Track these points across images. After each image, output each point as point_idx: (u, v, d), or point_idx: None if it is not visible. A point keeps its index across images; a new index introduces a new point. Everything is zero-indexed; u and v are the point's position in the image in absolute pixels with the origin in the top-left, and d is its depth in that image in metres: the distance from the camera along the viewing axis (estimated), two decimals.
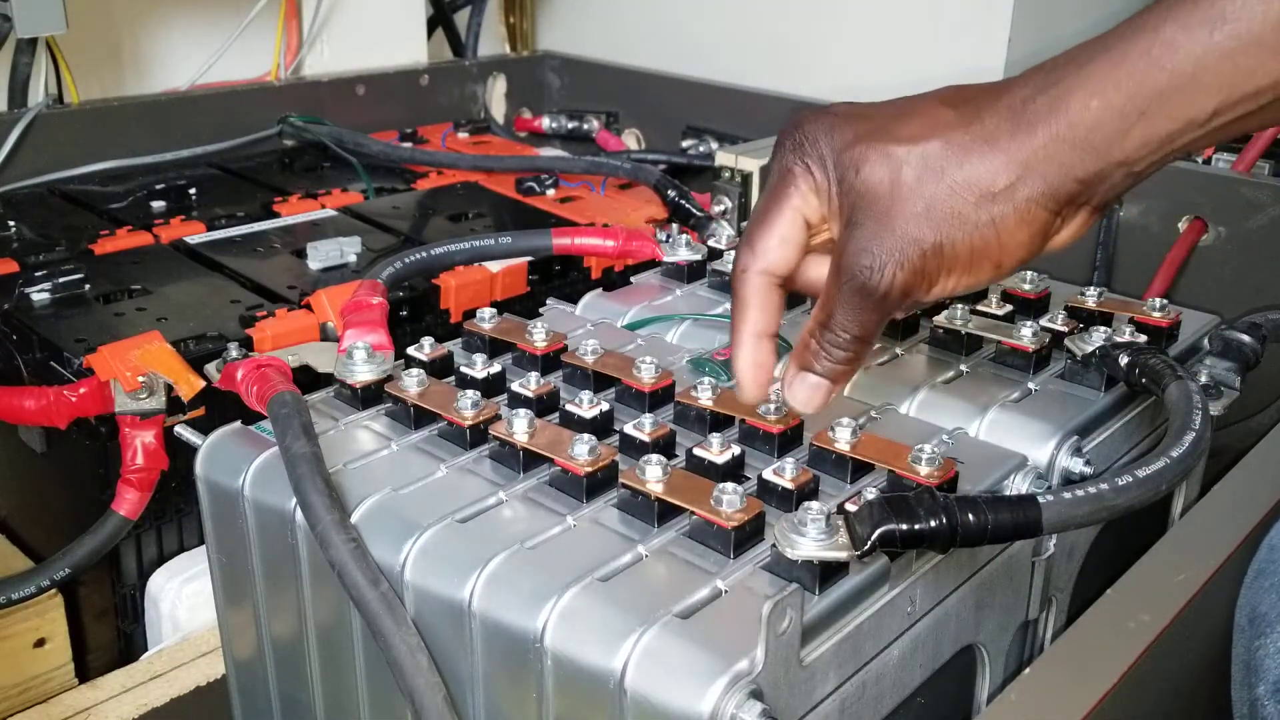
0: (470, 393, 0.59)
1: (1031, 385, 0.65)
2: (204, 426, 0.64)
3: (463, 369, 0.64)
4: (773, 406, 0.58)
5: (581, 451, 0.54)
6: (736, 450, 0.55)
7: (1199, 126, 0.43)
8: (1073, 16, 1.29)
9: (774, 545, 0.48)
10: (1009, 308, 0.72)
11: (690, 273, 0.82)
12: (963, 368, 0.67)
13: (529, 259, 0.90)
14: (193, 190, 1.09)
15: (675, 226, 0.98)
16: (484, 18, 1.52)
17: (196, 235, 0.97)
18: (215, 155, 1.19)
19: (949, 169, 0.46)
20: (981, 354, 0.69)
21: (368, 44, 1.39)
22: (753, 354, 0.52)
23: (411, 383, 0.61)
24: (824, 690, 0.48)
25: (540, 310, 0.78)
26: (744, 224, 0.89)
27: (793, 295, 0.55)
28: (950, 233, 0.46)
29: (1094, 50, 0.45)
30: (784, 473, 0.52)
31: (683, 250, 0.83)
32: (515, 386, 0.62)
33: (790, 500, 0.52)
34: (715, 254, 0.84)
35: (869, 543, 0.46)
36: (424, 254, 0.80)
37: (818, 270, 0.52)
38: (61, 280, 0.84)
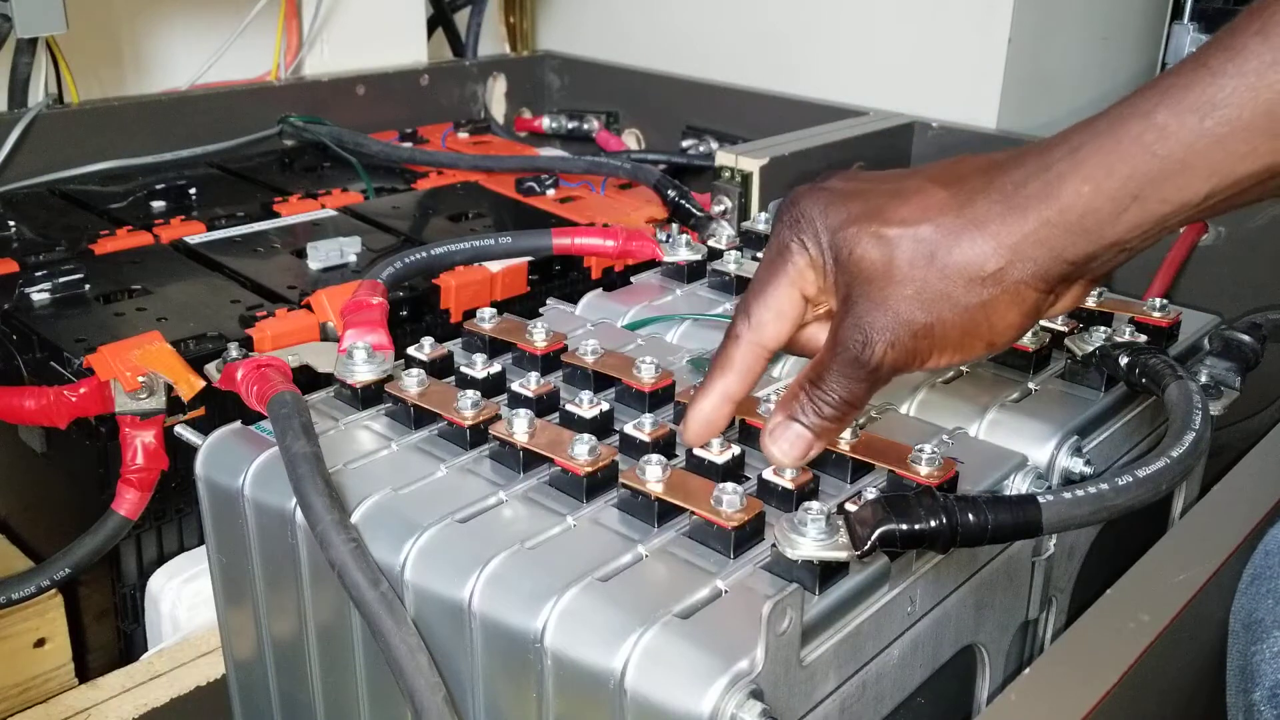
0: (470, 393, 0.59)
1: (1031, 385, 0.65)
2: (204, 426, 0.64)
3: (463, 369, 0.64)
4: (772, 406, 0.58)
5: (581, 451, 0.54)
6: (736, 450, 0.55)
7: (1193, 208, 0.44)
8: (1072, 17, 1.29)
9: (774, 545, 0.48)
10: None
11: (690, 273, 0.82)
12: (963, 368, 0.67)
13: (529, 259, 0.90)
14: (193, 190, 1.09)
15: (675, 226, 0.99)
16: (484, 18, 1.52)
17: (196, 235, 0.97)
18: (215, 155, 1.19)
19: (940, 252, 0.47)
20: None
21: (368, 44, 1.39)
22: (713, 410, 0.53)
23: (411, 383, 0.61)
24: (824, 690, 0.48)
25: (540, 310, 0.78)
26: (744, 224, 0.89)
27: None
28: (941, 314, 0.47)
29: (1086, 134, 0.45)
30: (784, 473, 0.52)
31: (683, 250, 0.83)
32: (515, 386, 0.62)
33: (790, 500, 0.52)
34: (715, 254, 0.84)
35: (869, 543, 0.46)
36: (424, 254, 0.80)
37: (816, 336, 0.53)
38: (61, 280, 0.84)
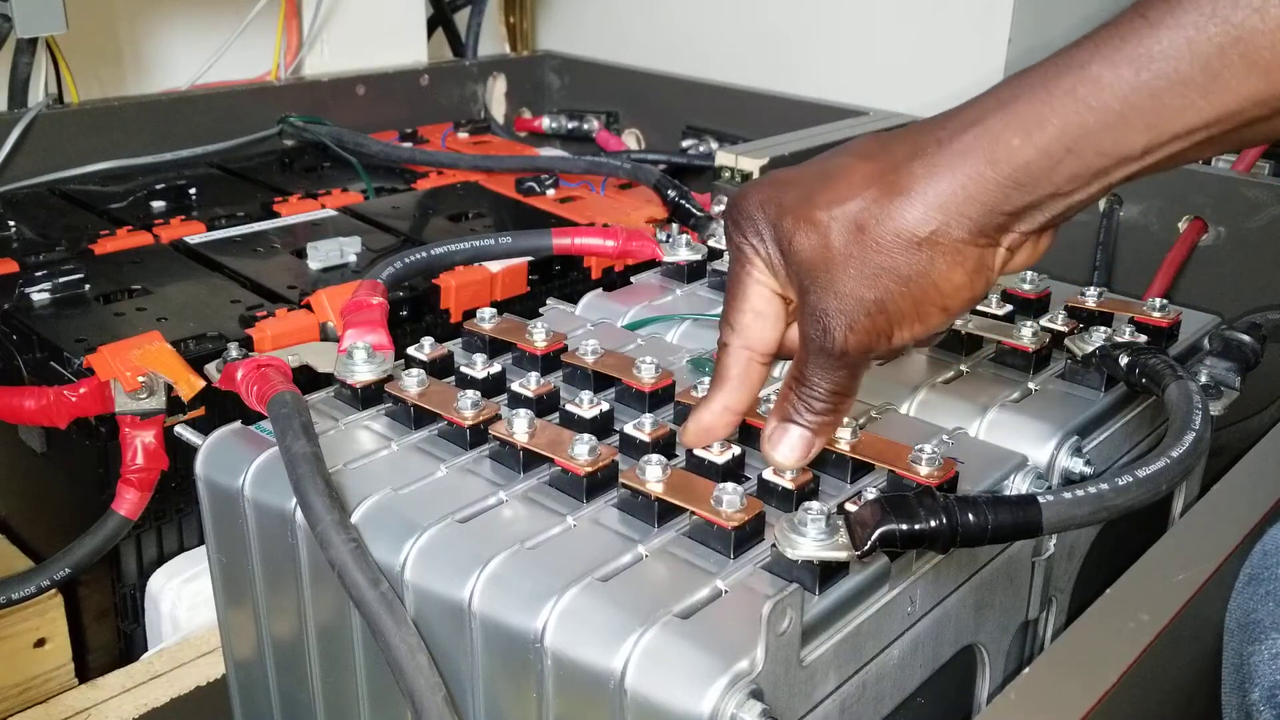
0: (470, 393, 0.59)
1: (1031, 385, 0.65)
2: (204, 426, 0.64)
3: (463, 369, 0.64)
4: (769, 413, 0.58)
5: (581, 451, 0.54)
6: (736, 450, 0.55)
7: (1133, 161, 0.43)
8: (1072, 15, 1.29)
9: (774, 545, 0.48)
10: (1009, 308, 0.72)
11: (690, 273, 0.82)
12: (963, 368, 0.67)
13: (529, 259, 0.90)
14: (193, 190, 1.09)
15: (675, 226, 0.98)
16: (484, 18, 1.52)
17: (196, 235, 0.97)
18: (215, 155, 1.19)
19: (871, 225, 0.46)
20: (981, 354, 0.69)
21: (368, 44, 1.39)
22: (714, 421, 0.53)
23: (411, 383, 0.61)
24: (824, 690, 0.48)
25: (540, 310, 0.78)
26: None
27: None
28: (887, 287, 0.46)
29: (1018, 87, 0.44)
30: (784, 473, 0.52)
31: (683, 250, 0.83)
32: (515, 386, 0.62)
33: (790, 500, 0.52)
34: (715, 254, 0.84)
35: (869, 543, 0.46)
36: (424, 254, 0.80)
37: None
38: (61, 280, 0.84)
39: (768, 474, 0.53)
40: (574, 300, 0.80)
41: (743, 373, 0.52)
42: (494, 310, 0.71)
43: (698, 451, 0.55)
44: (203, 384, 0.72)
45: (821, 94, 1.27)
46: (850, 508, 0.48)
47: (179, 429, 0.67)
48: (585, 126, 1.42)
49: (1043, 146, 0.43)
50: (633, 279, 0.84)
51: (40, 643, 0.74)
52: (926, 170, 0.45)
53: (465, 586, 0.49)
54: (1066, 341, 0.67)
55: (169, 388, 0.72)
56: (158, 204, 1.07)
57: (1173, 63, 0.41)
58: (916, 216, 0.45)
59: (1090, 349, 0.66)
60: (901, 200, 0.45)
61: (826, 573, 0.48)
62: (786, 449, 0.51)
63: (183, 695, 0.68)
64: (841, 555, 0.47)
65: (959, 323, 0.68)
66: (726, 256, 0.81)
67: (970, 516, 0.47)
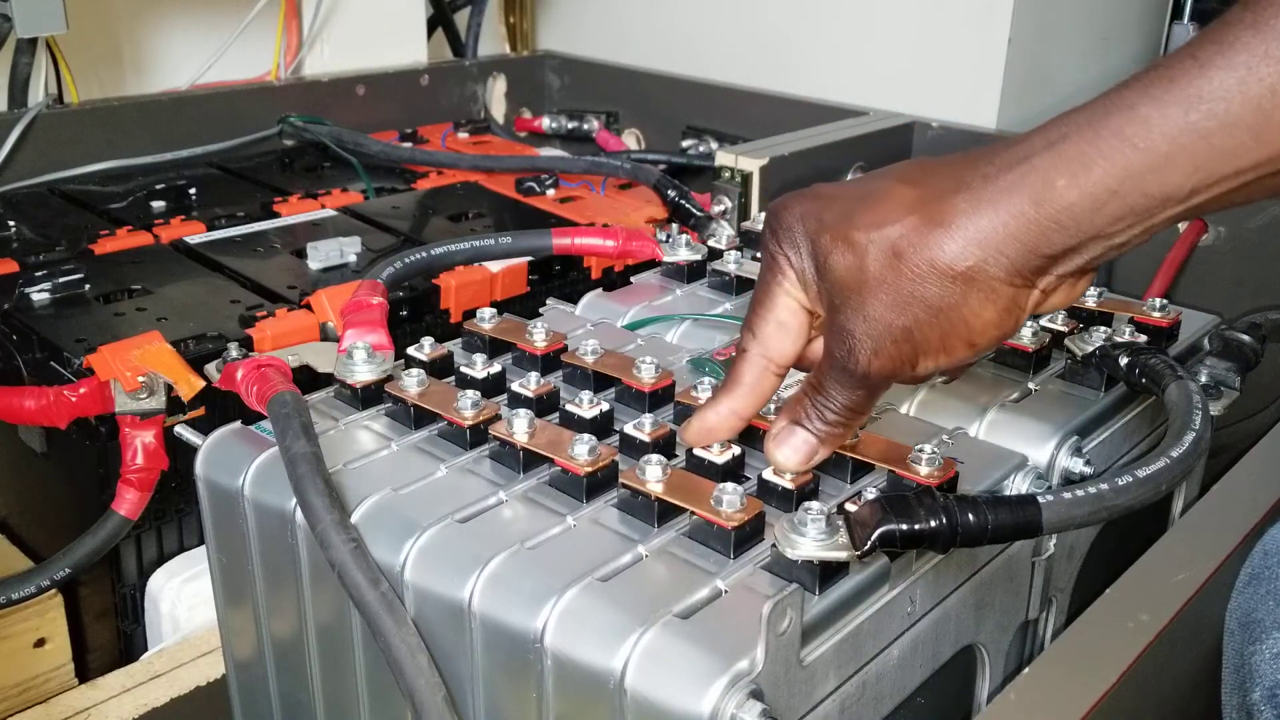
0: (470, 393, 0.59)
1: (1031, 385, 0.65)
2: (204, 426, 0.64)
3: (463, 369, 0.64)
4: (773, 408, 0.58)
5: (581, 451, 0.54)
6: (736, 450, 0.55)
7: (1177, 203, 0.42)
8: (1072, 17, 1.29)
9: (774, 545, 0.48)
10: None
11: (690, 273, 0.82)
12: None
13: (529, 259, 0.90)
14: (193, 190, 1.09)
15: (675, 226, 0.98)
16: (484, 18, 1.52)
17: (196, 235, 0.97)
18: (215, 155, 1.19)
19: (908, 253, 0.46)
20: None
21: (368, 44, 1.39)
22: (718, 423, 0.54)
23: (411, 383, 0.61)
24: (824, 690, 0.48)
25: (540, 310, 0.78)
26: (744, 224, 0.89)
27: None
28: (917, 316, 0.46)
29: (1065, 126, 0.44)
30: (784, 473, 0.52)
31: (683, 250, 0.83)
32: (515, 386, 0.62)
33: (790, 500, 0.52)
34: (715, 254, 0.84)
35: (869, 543, 0.46)
36: (424, 254, 0.80)
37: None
38: (61, 280, 0.84)
39: (768, 474, 0.53)
40: (574, 300, 0.80)
41: (756, 381, 0.52)
42: (494, 310, 0.71)
43: (698, 451, 0.55)
44: (203, 384, 0.72)
45: (821, 94, 1.27)
46: (850, 508, 0.48)
47: (179, 429, 0.67)
48: (585, 126, 1.42)
49: (1088, 188, 0.43)
50: (633, 279, 0.84)
51: (40, 643, 0.74)
52: (969, 204, 0.45)
53: (465, 586, 0.49)
54: (1066, 341, 0.67)
55: (169, 388, 0.71)
56: (158, 204, 1.07)
57: (1223, 104, 0.40)
58: (955, 249, 0.45)
59: (1090, 349, 0.66)
60: (941, 231, 0.45)
61: (826, 573, 0.48)
62: (789, 451, 0.51)
63: (183, 695, 0.68)
64: (841, 555, 0.47)
65: None
66: (728, 257, 0.81)
67: (970, 516, 0.47)
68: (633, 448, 0.57)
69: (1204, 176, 0.42)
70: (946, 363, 0.48)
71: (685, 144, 1.35)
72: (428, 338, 0.67)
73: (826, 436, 0.51)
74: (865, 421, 0.52)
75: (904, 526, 0.46)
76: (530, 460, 0.56)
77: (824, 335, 0.49)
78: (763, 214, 0.88)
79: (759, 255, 0.82)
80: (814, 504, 0.47)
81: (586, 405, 0.59)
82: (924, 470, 0.53)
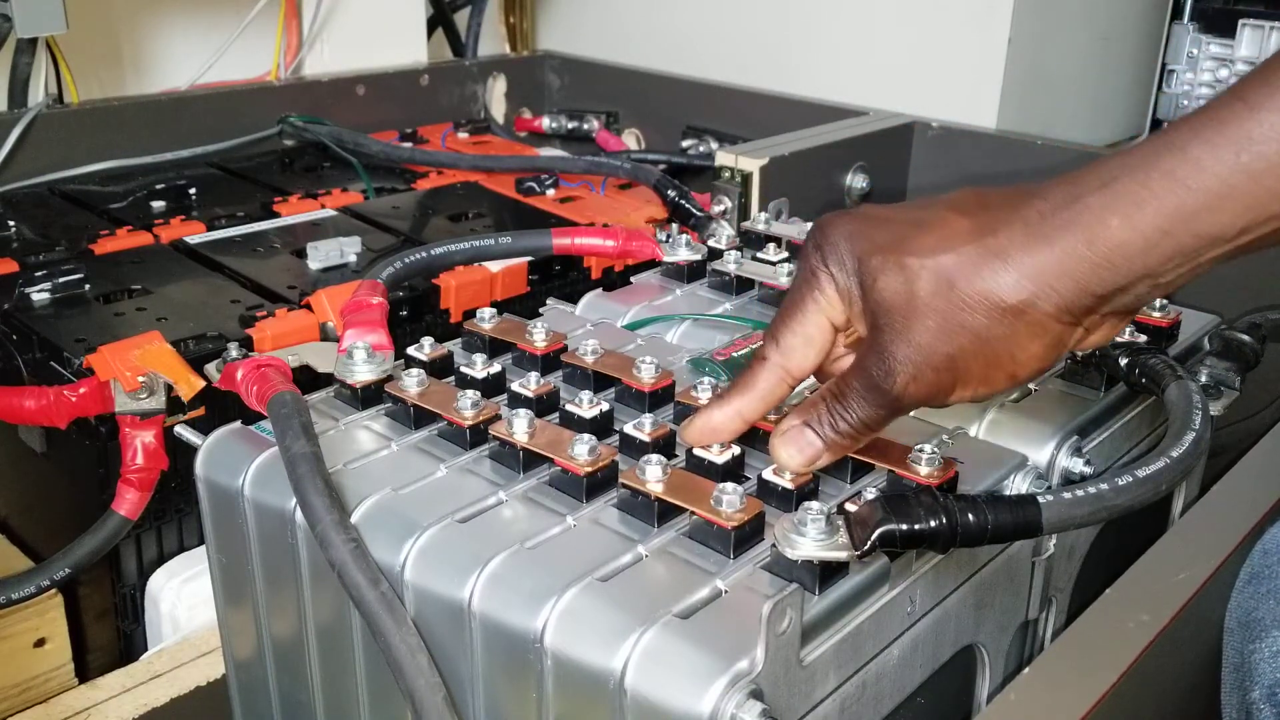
0: (470, 393, 0.59)
1: (1031, 385, 0.65)
2: (204, 426, 0.64)
3: (463, 369, 0.64)
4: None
5: (581, 451, 0.54)
6: (736, 450, 0.55)
7: (1226, 242, 0.43)
8: (1072, 17, 1.29)
9: (774, 545, 0.48)
10: None
11: (690, 273, 0.82)
12: None
13: (529, 259, 0.90)
14: (193, 190, 1.09)
15: (675, 226, 0.98)
16: (484, 18, 1.52)
17: (196, 235, 0.97)
18: (215, 155, 1.19)
19: (960, 283, 0.46)
20: None
21: (368, 44, 1.39)
22: (722, 422, 0.54)
23: (411, 383, 0.61)
24: (824, 690, 0.48)
25: (540, 310, 0.78)
26: (744, 224, 0.89)
27: None
28: (962, 345, 0.46)
29: (1117, 167, 0.44)
30: (784, 473, 0.52)
31: (683, 250, 0.83)
32: (515, 386, 0.62)
33: (790, 500, 0.52)
34: (715, 254, 0.84)
35: (869, 543, 0.46)
36: (424, 254, 0.80)
37: (844, 367, 0.53)
38: (61, 280, 0.84)
39: (768, 474, 0.53)
40: (574, 300, 0.80)
41: (770, 389, 0.53)
42: (494, 310, 0.71)
43: (698, 451, 0.55)
44: (203, 384, 0.72)
45: (821, 94, 1.27)
46: (850, 508, 0.48)
47: (179, 429, 0.67)
48: (585, 126, 1.42)
49: (1141, 227, 0.43)
50: (633, 279, 0.84)
51: (40, 643, 0.74)
52: (1025, 239, 0.45)
53: (465, 586, 0.49)
54: None
55: (169, 388, 0.72)
56: (158, 204, 1.07)
57: (1273, 145, 0.41)
58: (1009, 283, 0.45)
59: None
60: (997, 264, 0.46)
61: (826, 573, 0.48)
62: (794, 451, 0.51)
63: (183, 695, 0.68)
64: (841, 555, 0.47)
65: None
66: (728, 257, 0.81)
67: (970, 516, 0.47)
68: (633, 448, 0.57)
69: (1254, 216, 0.42)
70: (985, 393, 0.48)
71: (685, 144, 1.35)
72: (428, 338, 0.67)
73: (834, 445, 0.51)
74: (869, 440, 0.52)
75: (904, 526, 0.46)
76: (530, 460, 0.56)
77: (861, 350, 0.50)
78: (763, 214, 0.88)
79: (759, 255, 0.82)
80: (814, 504, 0.47)
81: (586, 405, 0.59)
82: (924, 470, 0.53)
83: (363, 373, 0.63)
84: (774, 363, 0.52)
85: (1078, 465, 0.60)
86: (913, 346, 0.47)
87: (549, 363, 0.66)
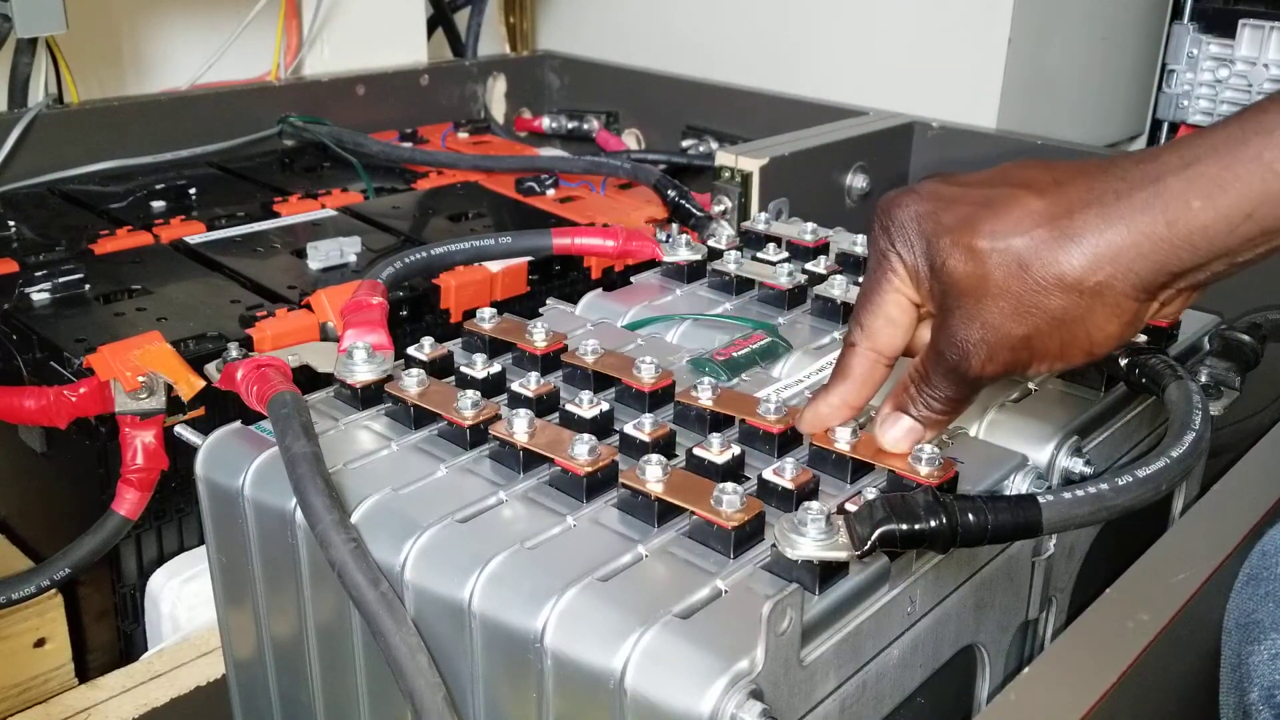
0: (470, 393, 0.59)
1: (1031, 385, 0.65)
2: (204, 426, 0.64)
3: (463, 369, 0.64)
4: (772, 406, 0.58)
5: (581, 451, 0.54)
6: (736, 450, 0.55)
7: None
8: (1072, 17, 1.29)
9: (774, 545, 0.48)
10: None
11: (690, 273, 0.82)
12: None
13: (529, 259, 0.90)
14: (193, 190, 1.09)
15: (675, 226, 0.98)
16: (484, 18, 1.52)
17: (196, 235, 0.97)
18: (215, 155, 1.19)
19: (1035, 265, 0.46)
20: None
21: (368, 44, 1.39)
22: (831, 414, 0.55)
23: (411, 383, 0.61)
24: (824, 690, 0.48)
25: (540, 310, 0.78)
26: (744, 224, 0.89)
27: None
28: (1038, 326, 0.47)
29: (1199, 147, 0.44)
30: (784, 473, 0.52)
31: (683, 250, 0.83)
32: (515, 386, 0.62)
33: (790, 500, 0.52)
34: (715, 254, 0.84)
35: (869, 543, 0.46)
36: (424, 254, 0.80)
37: (925, 336, 0.53)
38: (61, 280, 0.84)
39: (768, 474, 0.53)
40: (574, 300, 0.80)
41: (867, 374, 0.53)
42: (494, 310, 0.71)
43: (697, 451, 0.55)
44: (203, 384, 0.72)
45: (821, 94, 1.27)
46: (850, 508, 0.48)
47: (179, 429, 0.67)
48: (585, 126, 1.42)
49: (1223, 210, 0.43)
50: (633, 279, 0.84)
51: (40, 643, 0.74)
52: (1101, 220, 0.45)
53: (465, 586, 0.49)
54: None
55: (169, 388, 0.72)
56: (158, 204, 1.07)
57: None
58: (1085, 265, 0.45)
59: None
60: (1072, 246, 0.45)
61: (826, 573, 0.48)
62: (898, 434, 0.53)
63: (183, 695, 0.68)
64: (841, 555, 0.47)
65: None
66: (728, 257, 0.81)
67: (970, 516, 0.47)
68: (633, 448, 0.57)
69: None
70: (1060, 367, 0.49)
71: (685, 144, 1.35)
72: (428, 338, 0.67)
73: (931, 422, 0.52)
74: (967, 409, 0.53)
75: (904, 526, 0.46)
76: (530, 460, 0.56)
77: (933, 334, 0.50)
78: (763, 214, 0.88)
79: (759, 255, 0.82)
80: (814, 504, 0.47)
81: (586, 405, 0.59)
82: (924, 470, 0.53)
83: (363, 373, 0.63)
84: (863, 348, 0.53)
85: (1078, 465, 0.60)
86: (986, 329, 0.47)
87: (549, 363, 0.66)
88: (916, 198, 0.50)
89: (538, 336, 0.67)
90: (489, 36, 1.58)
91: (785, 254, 0.82)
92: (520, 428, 0.56)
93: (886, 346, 0.53)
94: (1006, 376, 0.49)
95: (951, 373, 0.49)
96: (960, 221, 0.48)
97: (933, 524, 0.46)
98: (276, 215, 1.03)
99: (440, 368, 0.66)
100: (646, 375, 0.62)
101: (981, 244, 0.47)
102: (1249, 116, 0.44)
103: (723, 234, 0.87)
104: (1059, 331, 0.47)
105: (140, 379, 0.71)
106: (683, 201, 1.02)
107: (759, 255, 0.82)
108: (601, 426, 0.59)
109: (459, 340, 0.71)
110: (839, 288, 0.74)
